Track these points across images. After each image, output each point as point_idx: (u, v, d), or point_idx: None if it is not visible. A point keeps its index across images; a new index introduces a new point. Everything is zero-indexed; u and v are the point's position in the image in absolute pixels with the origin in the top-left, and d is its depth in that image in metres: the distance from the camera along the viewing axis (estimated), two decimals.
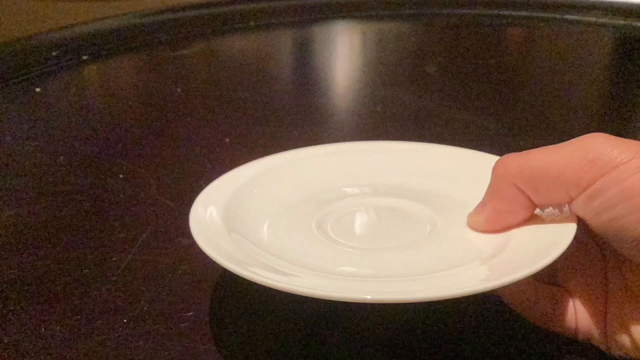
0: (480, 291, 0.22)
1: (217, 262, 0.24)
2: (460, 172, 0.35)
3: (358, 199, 0.34)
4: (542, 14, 0.92)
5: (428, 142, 0.38)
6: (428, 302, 0.22)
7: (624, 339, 0.24)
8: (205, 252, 0.25)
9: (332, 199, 0.33)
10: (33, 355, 0.27)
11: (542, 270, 0.23)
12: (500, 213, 0.27)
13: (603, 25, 0.88)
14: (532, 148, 0.47)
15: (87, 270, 0.33)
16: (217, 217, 0.28)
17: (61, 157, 0.46)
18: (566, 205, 0.26)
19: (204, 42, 0.82)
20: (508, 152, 0.47)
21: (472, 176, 0.33)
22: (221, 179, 0.32)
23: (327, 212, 0.32)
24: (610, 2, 0.89)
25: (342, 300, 0.22)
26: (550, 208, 0.27)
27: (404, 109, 0.58)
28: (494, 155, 0.34)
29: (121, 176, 0.43)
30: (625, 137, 0.23)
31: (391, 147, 0.38)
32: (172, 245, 0.36)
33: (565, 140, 0.25)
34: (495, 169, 0.27)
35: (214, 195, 0.30)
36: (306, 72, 0.74)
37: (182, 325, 0.29)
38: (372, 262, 0.28)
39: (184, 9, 0.85)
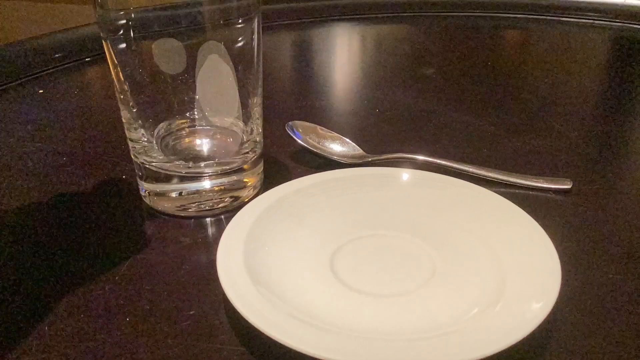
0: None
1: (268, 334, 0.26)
2: (466, 206, 0.36)
3: (363, 233, 0.36)
4: (538, 16, 0.93)
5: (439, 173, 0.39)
6: None
7: None
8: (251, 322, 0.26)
9: (342, 235, 0.35)
10: (35, 354, 0.27)
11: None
12: None
13: (599, 27, 0.88)
14: (528, 149, 0.47)
15: (89, 270, 0.33)
16: (244, 270, 0.30)
17: (64, 158, 0.47)
18: None
19: None
20: (504, 153, 0.47)
21: (479, 214, 0.35)
22: (236, 220, 0.34)
23: (339, 250, 0.34)
24: (606, 3, 0.89)
25: None
26: None
27: (402, 110, 0.58)
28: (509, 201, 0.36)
29: (124, 177, 0.44)
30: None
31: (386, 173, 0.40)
32: (174, 244, 0.36)
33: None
34: None
35: (234, 242, 0.32)
36: (306, 74, 0.74)
37: (184, 323, 0.29)
38: (388, 314, 0.29)
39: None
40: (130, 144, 0.38)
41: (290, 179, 0.38)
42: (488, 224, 0.34)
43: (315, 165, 0.45)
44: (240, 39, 0.36)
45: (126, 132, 0.38)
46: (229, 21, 0.36)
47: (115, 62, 0.35)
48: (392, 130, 0.54)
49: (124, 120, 0.38)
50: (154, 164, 0.38)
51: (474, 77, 0.70)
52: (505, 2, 0.94)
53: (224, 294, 0.28)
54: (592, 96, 0.66)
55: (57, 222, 0.38)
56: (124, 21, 0.34)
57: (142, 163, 0.38)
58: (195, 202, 0.38)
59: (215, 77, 0.37)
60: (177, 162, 0.38)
